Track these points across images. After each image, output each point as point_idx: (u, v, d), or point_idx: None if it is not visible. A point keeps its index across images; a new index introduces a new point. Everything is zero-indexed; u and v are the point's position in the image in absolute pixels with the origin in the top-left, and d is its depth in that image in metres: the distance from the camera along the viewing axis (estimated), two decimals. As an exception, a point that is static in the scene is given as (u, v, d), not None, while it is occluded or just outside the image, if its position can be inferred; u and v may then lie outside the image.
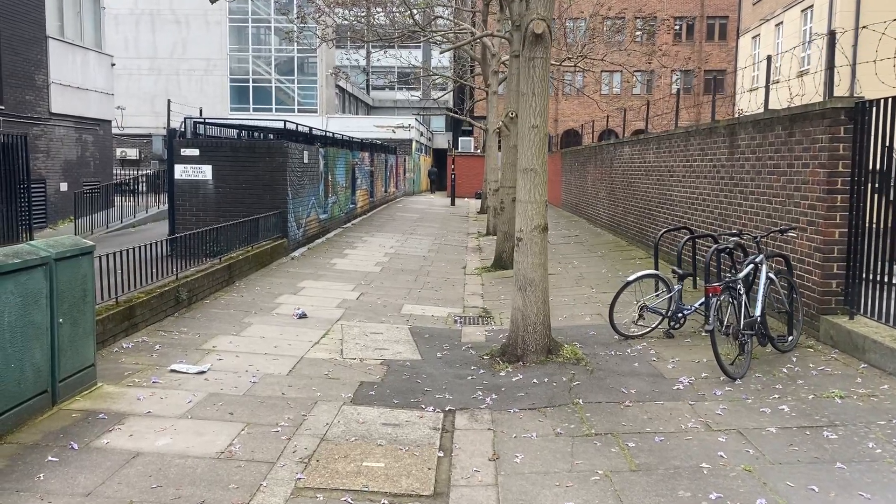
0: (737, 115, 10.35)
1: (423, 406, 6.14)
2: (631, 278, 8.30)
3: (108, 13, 30.90)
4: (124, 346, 7.51)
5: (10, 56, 18.86)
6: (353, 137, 24.85)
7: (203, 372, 6.77)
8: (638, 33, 43.63)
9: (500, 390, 6.58)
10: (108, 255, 7.59)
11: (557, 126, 50.59)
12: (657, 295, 8.45)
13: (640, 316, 8.30)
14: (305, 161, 16.30)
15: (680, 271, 8.36)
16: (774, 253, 8.13)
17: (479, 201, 37.83)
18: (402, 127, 44.38)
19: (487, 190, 22.23)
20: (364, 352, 8.01)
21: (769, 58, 10.23)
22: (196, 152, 14.50)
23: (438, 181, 56.34)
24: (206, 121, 15.74)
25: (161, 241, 9.41)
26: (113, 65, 24.73)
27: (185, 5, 44.65)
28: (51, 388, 5.52)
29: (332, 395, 6.38)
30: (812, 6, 26.15)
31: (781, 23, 29.29)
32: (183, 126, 15.13)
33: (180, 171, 14.53)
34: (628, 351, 7.77)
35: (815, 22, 25.63)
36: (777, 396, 6.12)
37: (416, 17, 20.76)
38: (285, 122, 15.56)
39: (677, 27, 50.73)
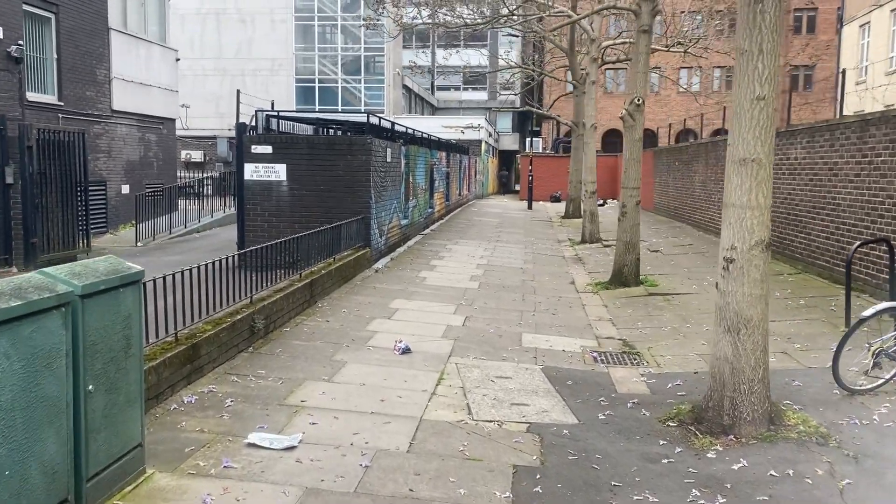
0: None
1: (623, 519, 4.06)
2: (867, 313, 5.99)
3: (174, 13, 29.73)
4: (185, 401, 5.61)
5: (70, 49, 17.50)
6: (431, 135, 22.87)
7: (293, 447, 4.81)
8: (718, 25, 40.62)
9: (723, 488, 4.43)
10: (164, 278, 5.69)
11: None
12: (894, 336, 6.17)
13: (875, 364, 6.03)
14: (388, 160, 14.38)
15: (933, 303, 6.07)
16: None
17: (556, 205, 35.45)
18: (472, 127, 42.19)
19: (583, 192, 19.95)
20: (498, 409, 5.96)
21: None
22: (269, 149, 12.69)
23: (507, 183, 54.15)
24: (280, 114, 13.93)
25: (232, 256, 7.50)
26: (178, 59, 23.33)
27: (250, 4, 43.44)
28: (73, 495, 3.60)
29: (482, 492, 4.34)
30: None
31: (900, 7, 26.16)
32: (254, 121, 13.35)
33: (251, 171, 12.73)
34: (875, 418, 5.51)
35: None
36: None
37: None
38: (369, 114, 13.62)
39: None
